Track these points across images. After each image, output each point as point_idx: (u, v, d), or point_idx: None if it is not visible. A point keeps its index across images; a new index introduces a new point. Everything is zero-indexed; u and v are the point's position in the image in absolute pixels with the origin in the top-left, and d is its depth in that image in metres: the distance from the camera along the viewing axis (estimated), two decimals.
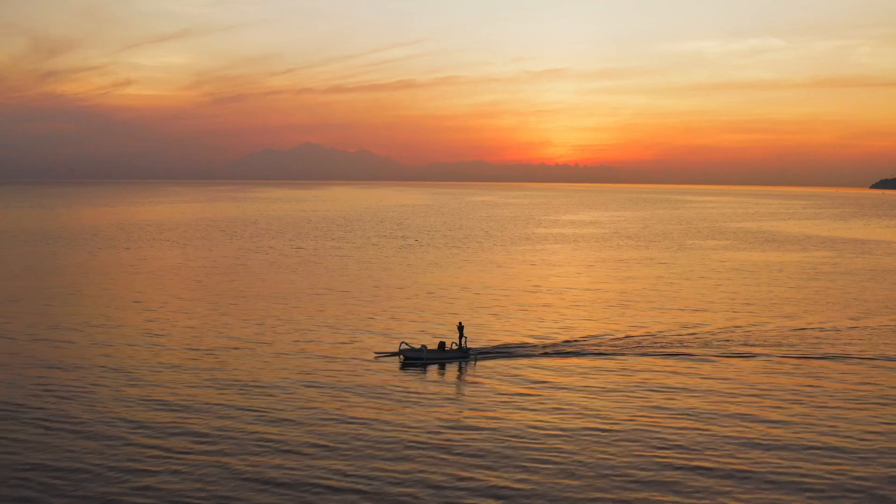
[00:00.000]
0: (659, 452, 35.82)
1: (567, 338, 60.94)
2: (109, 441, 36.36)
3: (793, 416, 41.68)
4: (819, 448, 36.80)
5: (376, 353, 54.62)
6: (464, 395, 45.46)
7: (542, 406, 42.72)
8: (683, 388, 46.72)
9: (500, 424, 39.52)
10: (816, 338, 61.71)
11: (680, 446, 36.73)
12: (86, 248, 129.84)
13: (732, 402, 43.96)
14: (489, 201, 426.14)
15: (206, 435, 37.14)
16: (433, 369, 51.08)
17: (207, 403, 42.16)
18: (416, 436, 37.58)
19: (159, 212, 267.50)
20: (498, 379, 48.47)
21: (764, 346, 58.62)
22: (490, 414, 41.29)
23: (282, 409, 41.36)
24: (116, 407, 41.83)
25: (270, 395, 43.95)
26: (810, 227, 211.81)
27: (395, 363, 52.28)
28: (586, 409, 42.35)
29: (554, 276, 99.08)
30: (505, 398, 44.24)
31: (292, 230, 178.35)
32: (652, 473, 33.39)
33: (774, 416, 41.60)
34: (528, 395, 44.97)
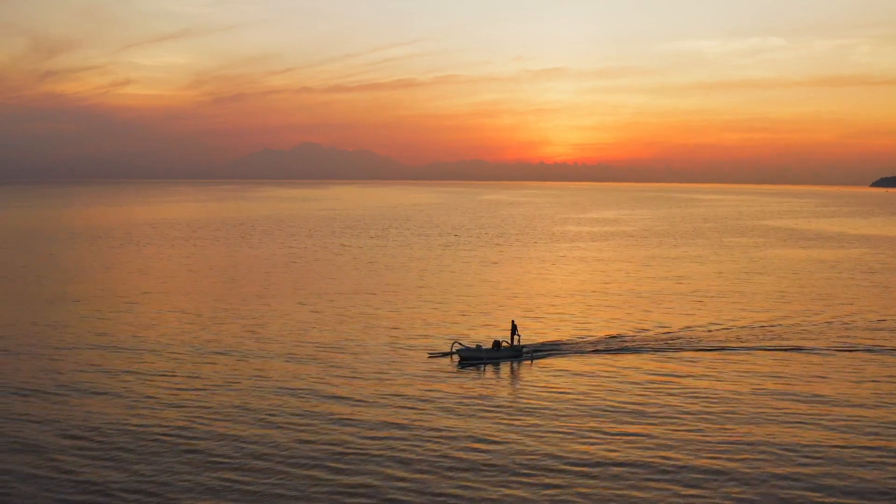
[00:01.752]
0: (730, 455, 34.53)
1: (633, 334, 60.08)
2: (196, 451, 35.51)
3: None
4: None
5: (430, 353, 53.16)
6: (525, 396, 43.74)
7: (605, 407, 41.50)
8: (774, 388, 46.09)
9: (566, 426, 38.37)
10: None
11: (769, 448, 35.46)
12: (129, 247, 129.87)
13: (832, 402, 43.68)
14: (501, 200, 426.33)
15: (264, 441, 36.05)
16: (490, 369, 49.81)
17: (262, 409, 40.76)
18: (486, 446, 35.68)
19: (177, 210, 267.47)
20: (556, 378, 47.33)
21: (856, 339, 58.90)
22: (555, 415, 40.07)
23: (343, 418, 39.40)
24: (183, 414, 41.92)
25: (328, 404, 41.93)
26: (836, 225, 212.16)
27: (449, 363, 50.92)
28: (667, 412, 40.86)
29: (612, 273, 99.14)
30: (565, 397, 43.17)
31: (325, 228, 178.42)
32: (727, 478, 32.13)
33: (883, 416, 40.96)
34: (587, 395, 43.69)
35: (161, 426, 37.94)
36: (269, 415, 39.75)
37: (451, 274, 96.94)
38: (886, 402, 42.62)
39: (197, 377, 46.95)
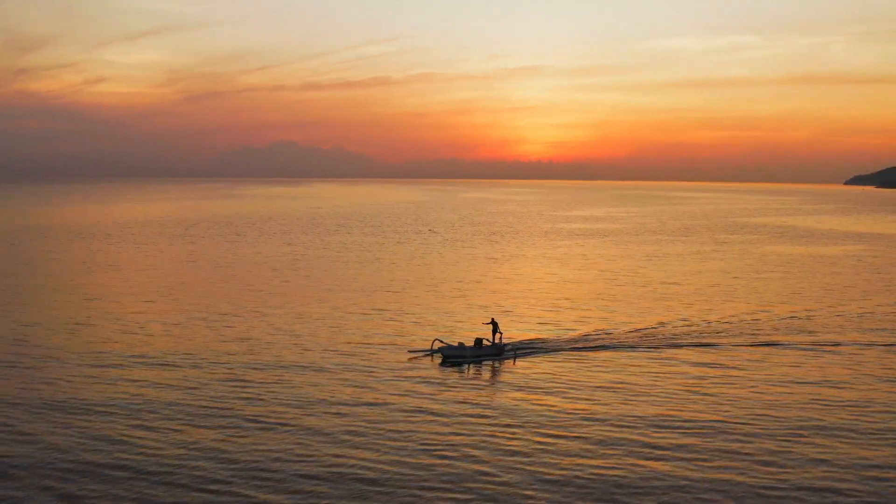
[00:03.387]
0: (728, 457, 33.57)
1: (619, 331, 59.15)
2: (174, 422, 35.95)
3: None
4: None
5: (410, 350, 51.75)
6: (510, 398, 42.08)
7: (592, 409, 40.04)
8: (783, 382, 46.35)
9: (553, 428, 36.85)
10: None
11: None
12: (128, 245, 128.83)
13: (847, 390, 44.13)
14: (485, 198, 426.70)
15: (231, 451, 33.57)
16: (472, 368, 48.51)
17: (233, 418, 38.11)
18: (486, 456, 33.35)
19: (164, 208, 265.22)
20: (541, 377, 46.06)
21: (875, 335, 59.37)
22: (541, 419, 38.44)
23: (323, 422, 37.36)
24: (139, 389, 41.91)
25: (312, 409, 39.53)
26: (824, 222, 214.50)
27: (431, 362, 49.63)
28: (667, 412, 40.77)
29: (606, 269, 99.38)
30: (551, 398, 41.83)
31: (319, 226, 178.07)
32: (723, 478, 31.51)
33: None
34: (575, 395, 42.46)
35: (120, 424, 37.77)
36: (239, 421, 37.64)
37: (443, 271, 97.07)
38: None
39: (165, 381, 45.83)
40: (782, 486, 30.76)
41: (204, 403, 40.45)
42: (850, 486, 30.80)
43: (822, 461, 33.21)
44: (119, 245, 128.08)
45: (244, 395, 41.92)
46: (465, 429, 36.86)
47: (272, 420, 37.85)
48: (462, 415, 38.98)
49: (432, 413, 39.12)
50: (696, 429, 37.13)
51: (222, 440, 35.08)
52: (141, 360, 49.70)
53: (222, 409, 39.58)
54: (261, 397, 41.58)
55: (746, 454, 33.91)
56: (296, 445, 34.49)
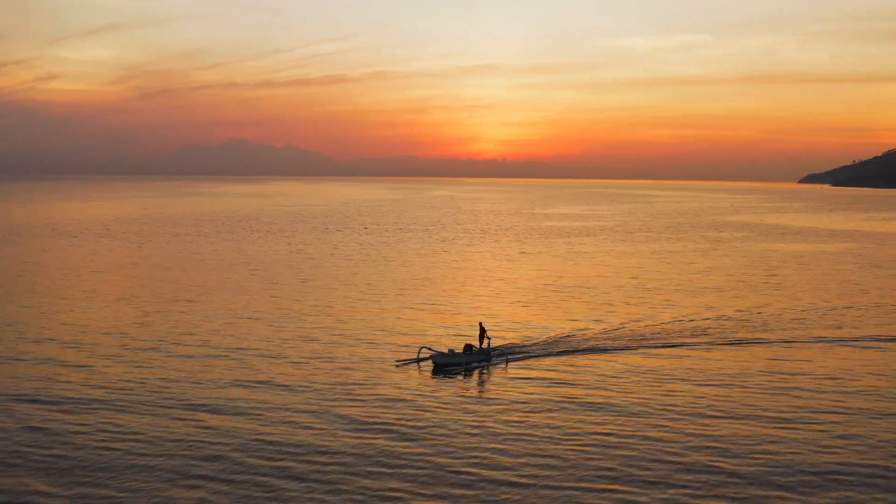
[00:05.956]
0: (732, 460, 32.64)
1: (612, 331, 58.10)
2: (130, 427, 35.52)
3: None
4: None
5: (398, 360, 49.02)
6: (514, 406, 39.86)
7: (595, 411, 38.85)
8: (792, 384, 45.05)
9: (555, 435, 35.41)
10: None
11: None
12: (126, 244, 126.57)
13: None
14: (455, 196, 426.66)
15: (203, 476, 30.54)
16: (464, 376, 46.37)
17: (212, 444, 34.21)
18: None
19: (130, 207, 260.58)
20: (540, 381, 44.36)
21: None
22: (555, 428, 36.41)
23: (315, 444, 34.33)
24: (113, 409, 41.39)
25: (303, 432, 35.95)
26: (800, 220, 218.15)
27: (419, 370, 47.17)
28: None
29: (627, 267, 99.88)
30: (553, 403, 40.27)
31: (302, 225, 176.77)
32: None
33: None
34: (579, 397, 41.30)
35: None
36: (211, 443, 34.52)
37: (434, 273, 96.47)
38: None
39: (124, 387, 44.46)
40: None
41: (181, 419, 37.53)
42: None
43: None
44: (116, 244, 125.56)
45: (230, 410, 38.91)
46: (464, 440, 35.01)
47: (261, 437, 35.07)
48: (461, 425, 36.86)
49: (432, 423, 37.00)
50: (713, 441, 34.98)
51: (205, 455, 32.93)
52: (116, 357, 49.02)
53: (203, 429, 36.26)
54: (246, 412, 38.54)
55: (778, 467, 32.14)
56: (295, 461, 32.44)
